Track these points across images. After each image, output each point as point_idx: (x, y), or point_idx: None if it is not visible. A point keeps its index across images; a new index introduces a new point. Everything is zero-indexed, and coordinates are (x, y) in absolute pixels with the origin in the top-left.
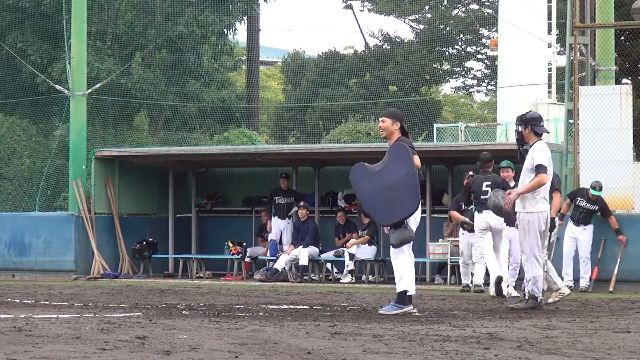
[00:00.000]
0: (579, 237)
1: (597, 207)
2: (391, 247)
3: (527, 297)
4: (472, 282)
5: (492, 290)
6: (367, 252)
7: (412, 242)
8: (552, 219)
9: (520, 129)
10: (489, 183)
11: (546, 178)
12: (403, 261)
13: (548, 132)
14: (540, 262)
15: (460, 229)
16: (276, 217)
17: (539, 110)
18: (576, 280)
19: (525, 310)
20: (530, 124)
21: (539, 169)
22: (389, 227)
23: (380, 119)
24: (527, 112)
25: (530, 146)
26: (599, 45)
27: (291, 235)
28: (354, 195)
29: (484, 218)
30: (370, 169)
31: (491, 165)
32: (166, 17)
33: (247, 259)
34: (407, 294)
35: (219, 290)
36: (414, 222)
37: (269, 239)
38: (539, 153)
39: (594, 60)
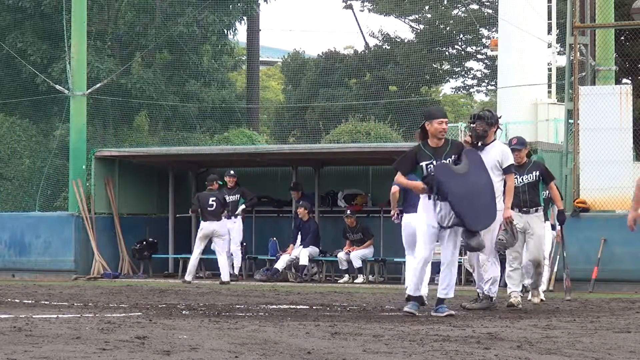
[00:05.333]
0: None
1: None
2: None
3: (481, 297)
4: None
5: None
6: (365, 252)
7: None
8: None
9: (482, 126)
10: (214, 199)
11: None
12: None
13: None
14: (498, 263)
15: None
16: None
17: (538, 110)
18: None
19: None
20: (498, 124)
21: (512, 169)
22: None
23: (443, 120)
24: (487, 110)
25: (486, 145)
26: (599, 45)
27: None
28: (354, 195)
29: (206, 225)
30: (455, 170)
31: (216, 185)
32: (166, 17)
33: (247, 259)
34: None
35: (219, 290)
36: None
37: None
38: (509, 153)
39: (594, 60)
